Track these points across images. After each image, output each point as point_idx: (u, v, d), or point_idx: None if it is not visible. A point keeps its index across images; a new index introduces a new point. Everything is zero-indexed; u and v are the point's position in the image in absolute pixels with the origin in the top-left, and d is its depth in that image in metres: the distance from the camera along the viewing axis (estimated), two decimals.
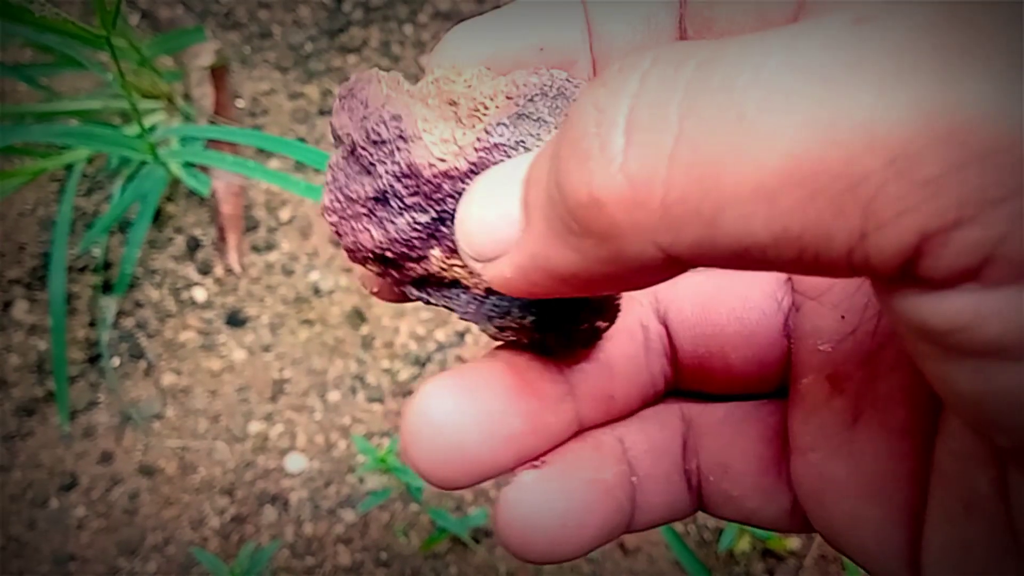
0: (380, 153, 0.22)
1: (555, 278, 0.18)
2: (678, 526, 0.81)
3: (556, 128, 0.22)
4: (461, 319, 0.25)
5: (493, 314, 0.24)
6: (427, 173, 0.22)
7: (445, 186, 0.22)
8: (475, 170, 0.22)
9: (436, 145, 0.22)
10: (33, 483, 0.83)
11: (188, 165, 0.82)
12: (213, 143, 0.88)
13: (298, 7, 1.00)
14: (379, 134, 0.22)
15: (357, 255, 0.24)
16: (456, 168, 0.22)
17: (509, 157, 0.22)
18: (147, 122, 0.87)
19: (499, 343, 0.26)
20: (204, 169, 0.86)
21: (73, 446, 0.84)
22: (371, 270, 0.24)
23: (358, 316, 0.88)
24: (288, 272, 0.90)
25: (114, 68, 0.59)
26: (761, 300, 0.27)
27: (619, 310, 0.26)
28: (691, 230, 0.15)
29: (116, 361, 0.87)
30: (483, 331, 0.25)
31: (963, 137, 0.13)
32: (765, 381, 0.27)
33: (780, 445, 0.26)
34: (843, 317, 0.24)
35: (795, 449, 0.25)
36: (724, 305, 0.27)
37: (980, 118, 0.13)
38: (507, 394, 0.24)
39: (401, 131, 0.22)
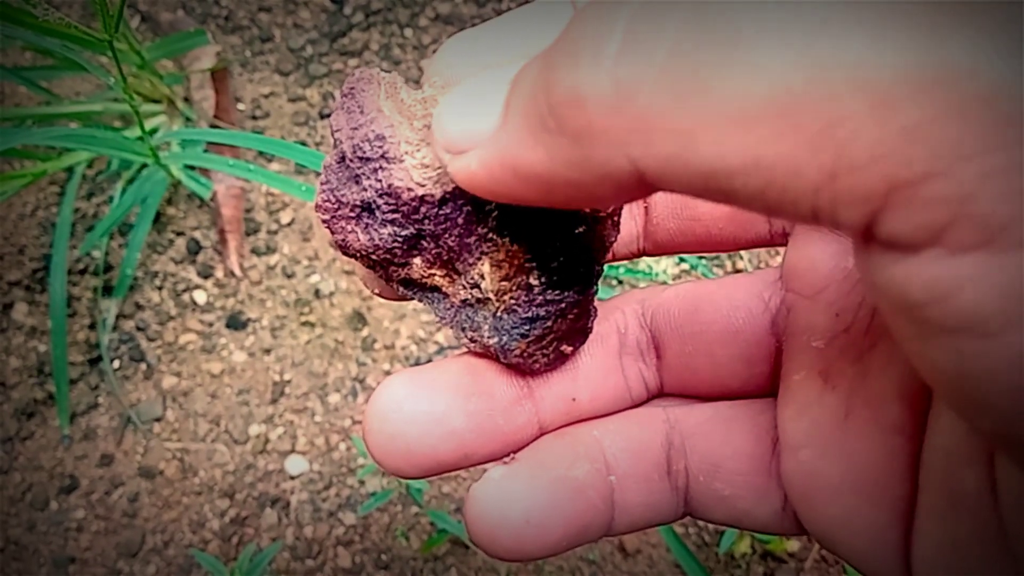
0: (366, 169, 0.23)
1: (519, 177, 0.18)
2: (678, 528, 0.81)
3: None
4: (438, 323, 0.25)
5: (465, 325, 0.25)
6: (405, 196, 0.22)
7: (423, 209, 0.23)
8: (450, 198, 0.22)
9: (417, 169, 0.22)
10: (33, 485, 0.83)
11: (189, 168, 0.83)
12: (214, 146, 0.88)
13: (299, 10, 1.00)
14: (364, 151, 0.23)
15: (346, 252, 0.25)
16: (432, 195, 0.22)
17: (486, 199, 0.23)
18: (148, 125, 0.87)
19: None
20: (205, 172, 0.87)
21: (73, 448, 0.84)
22: (362, 264, 0.25)
23: (358, 318, 0.88)
24: (289, 275, 0.90)
25: (116, 71, 0.59)
26: (748, 299, 0.27)
27: (586, 336, 0.27)
28: (664, 145, 0.15)
29: (116, 363, 0.87)
30: (456, 337, 0.26)
31: (946, 88, 0.13)
32: (752, 381, 0.27)
33: (771, 444, 0.26)
34: (837, 315, 0.24)
35: (786, 447, 0.25)
36: (711, 304, 0.27)
37: (965, 71, 0.13)
38: (454, 394, 0.25)
39: (384, 152, 0.22)
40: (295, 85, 0.97)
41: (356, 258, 0.25)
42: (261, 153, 0.91)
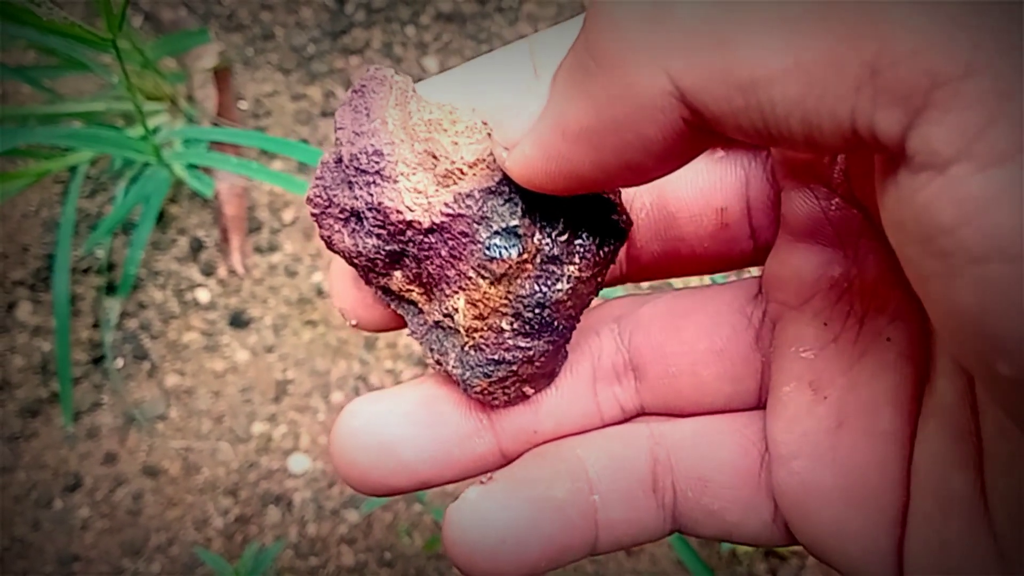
0: (360, 179, 0.23)
1: (569, 138, 0.18)
2: None
3: (523, 212, 0.22)
4: (409, 336, 0.25)
5: (434, 347, 0.25)
6: (394, 216, 0.22)
7: (409, 232, 0.23)
8: (437, 229, 0.22)
9: (409, 193, 0.22)
10: (37, 484, 0.83)
11: (191, 167, 0.83)
12: (216, 145, 0.88)
13: (300, 9, 1.00)
14: (361, 163, 0.22)
15: (331, 247, 0.25)
16: (419, 222, 0.22)
17: (471, 229, 0.22)
18: (150, 124, 0.87)
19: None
20: (207, 171, 0.87)
21: (77, 447, 0.85)
22: (345, 262, 0.26)
23: None
24: (291, 273, 0.90)
25: (119, 70, 0.59)
26: (730, 315, 0.26)
27: (552, 380, 0.26)
28: (704, 55, 0.15)
29: (120, 362, 0.87)
30: (423, 355, 0.26)
31: None
32: (738, 398, 0.26)
33: (758, 456, 0.25)
34: (825, 324, 0.24)
35: (777, 458, 0.25)
36: (692, 323, 0.26)
37: None
38: (409, 425, 0.25)
39: (380, 169, 0.22)
40: (297, 83, 0.97)
41: (340, 256, 0.25)
42: (263, 151, 0.91)
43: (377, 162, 0.22)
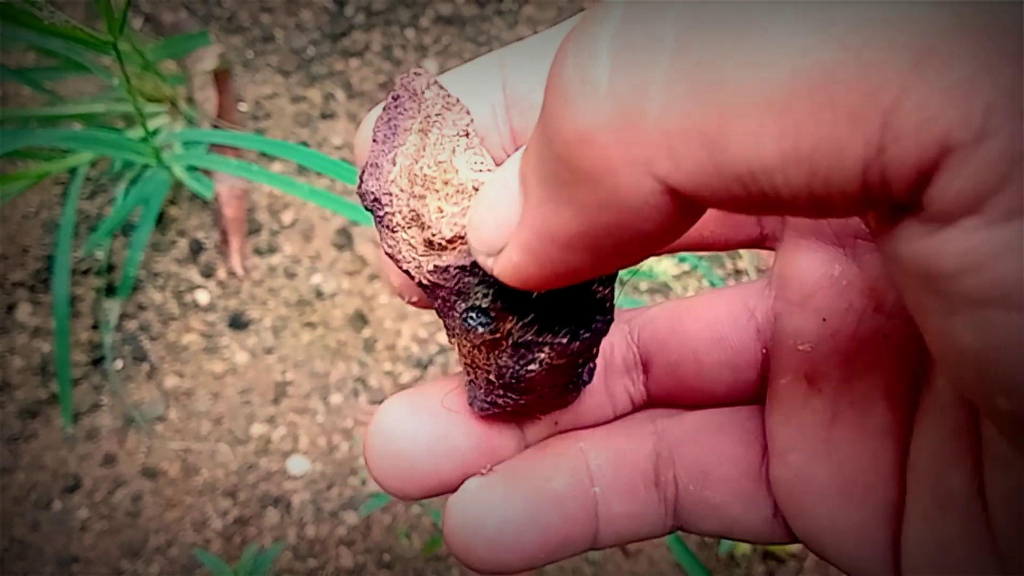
0: (376, 215, 0.23)
1: (559, 246, 0.16)
2: None
3: (495, 295, 0.22)
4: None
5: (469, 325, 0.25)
6: (399, 262, 0.23)
7: (409, 275, 0.23)
8: (428, 286, 0.22)
9: (405, 245, 0.22)
10: (36, 485, 0.83)
11: (191, 169, 0.83)
12: (216, 147, 0.88)
13: (300, 11, 1.00)
14: (370, 202, 0.22)
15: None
16: (414, 276, 0.23)
17: (451, 299, 0.22)
18: (150, 126, 0.88)
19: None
20: (207, 172, 0.87)
21: (76, 448, 0.85)
22: None
23: (360, 319, 0.88)
24: (291, 275, 0.90)
25: (120, 73, 0.59)
26: (732, 308, 0.26)
27: (566, 404, 0.26)
28: (692, 154, 0.14)
29: (119, 364, 0.87)
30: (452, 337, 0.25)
31: (996, 36, 0.12)
32: (738, 388, 0.26)
33: (760, 450, 0.26)
34: (824, 320, 0.24)
35: (774, 452, 0.25)
36: (694, 314, 0.27)
37: (1014, 16, 0.12)
38: (453, 413, 0.25)
39: (381, 217, 0.22)
40: (297, 86, 0.97)
41: None
42: (263, 153, 0.91)
43: (380, 208, 0.22)
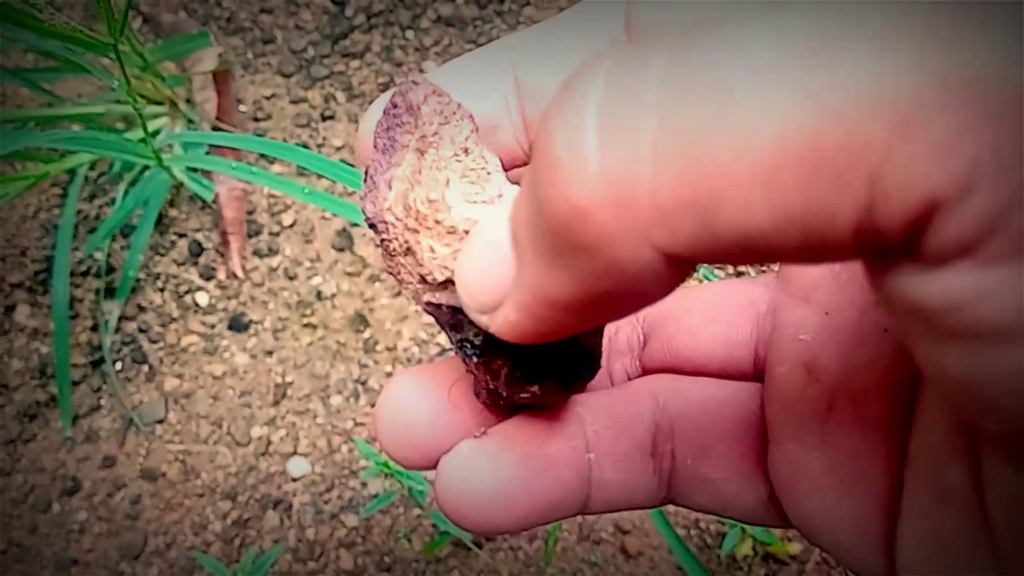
0: (375, 231, 0.23)
1: (558, 308, 0.17)
2: (679, 530, 0.81)
3: (485, 337, 0.22)
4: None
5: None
6: (398, 281, 0.23)
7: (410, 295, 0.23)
8: (427, 310, 0.23)
9: (404, 271, 0.22)
10: (35, 487, 0.83)
11: (191, 170, 0.83)
12: (216, 148, 0.88)
13: (300, 12, 1.00)
14: (373, 227, 0.22)
15: None
16: (411, 299, 0.23)
17: (447, 328, 0.23)
18: (150, 127, 0.87)
19: None
20: (207, 174, 0.87)
21: (75, 450, 0.84)
22: None
23: (360, 320, 0.88)
24: (291, 276, 0.90)
25: (119, 74, 0.59)
26: (734, 291, 0.27)
27: (566, 399, 0.26)
28: (687, 223, 0.14)
29: (118, 365, 0.87)
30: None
31: (975, 94, 0.12)
32: (731, 366, 0.27)
33: (760, 429, 0.26)
34: (827, 314, 0.24)
35: (772, 439, 0.25)
36: (697, 294, 0.28)
37: (992, 74, 0.12)
38: (461, 386, 0.25)
39: (381, 242, 0.22)
40: (297, 87, 0.97)
41: None
42: (263, 155, 0.91)
43: (377, 232, 0.22)
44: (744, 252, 0.14)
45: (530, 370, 0.23)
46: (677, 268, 0.15)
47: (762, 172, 0.13)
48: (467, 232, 0.21)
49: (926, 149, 0.12)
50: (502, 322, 0.19)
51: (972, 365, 0.14)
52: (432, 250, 0.21)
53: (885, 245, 0.14)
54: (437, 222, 0.21)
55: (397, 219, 0.22)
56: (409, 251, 0.22)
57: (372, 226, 0.22)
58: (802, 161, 0.13)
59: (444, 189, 0.21)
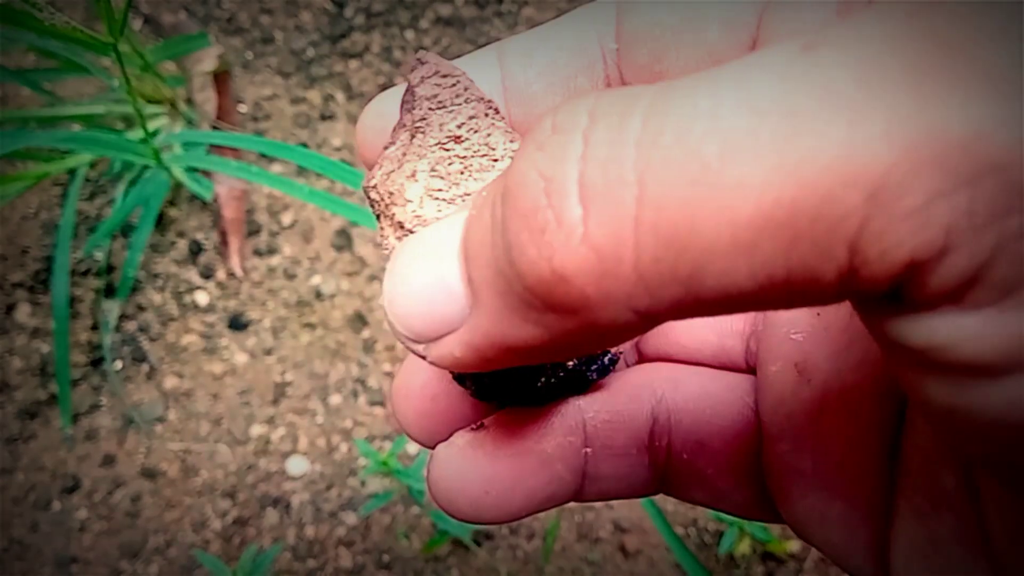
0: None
1: (516, 352, 0.17)
2: (678, 529, 0.81)
3: None
4: None
5: None
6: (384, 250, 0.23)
7: None
8: None
9: (383, 242, 0.22)
10: (35, 486, 0.83)
11: (191, 170, 0.83)
12: (215, 148, 0.88)
13: (300, 12, 1.00)
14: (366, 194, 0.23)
15: None
16: None
17: None
18: (150, 127, 0.88)
19: None
20: (206, 174, 0.87)
21: (75, 449, 0.85)
22: None
23: (360, 320, 0.89)
24: (290, 276, 0.90)
25: (120, 74, 0.60)
26: None
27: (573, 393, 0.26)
28: (670, 290, 0.14)
29: (118, 364, 0.87)
30: None
31: (945, 162, 0.12)
32: (722, 357, 0.27)
33: (755, 426, 0.26)
34: (818, 314, 0.24)
35: (765, 437, 0.25)
36: None
37: (961, 141, 0.12)
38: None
39: (375, 213, 0.22)
40: (296, 87, 0.97)
41: None
42: (262, 155, 0.91)
43: (369, 200, 0.22)
44: (727, 310, 0.15)
45: (496, 395, 0.23)
46: (655, 323, 0.16)
47: (743, 243, 0.13)
48: (410, 231, 0.21)
49: (901, 217, 0.13)
50: (444, 355, 0.18)
51: (956, 396, 0.14)
52: (387, 237, 0.21)
53: (870, 296, 0.14)
54: (392, 214, 0.21)
55: (380, 197, 0.22)
56: (382, 228, 0.22)
57: (366, 196, 0.23)
58: (782, 231, 0.13)
59: (406, 181, 0.21)
